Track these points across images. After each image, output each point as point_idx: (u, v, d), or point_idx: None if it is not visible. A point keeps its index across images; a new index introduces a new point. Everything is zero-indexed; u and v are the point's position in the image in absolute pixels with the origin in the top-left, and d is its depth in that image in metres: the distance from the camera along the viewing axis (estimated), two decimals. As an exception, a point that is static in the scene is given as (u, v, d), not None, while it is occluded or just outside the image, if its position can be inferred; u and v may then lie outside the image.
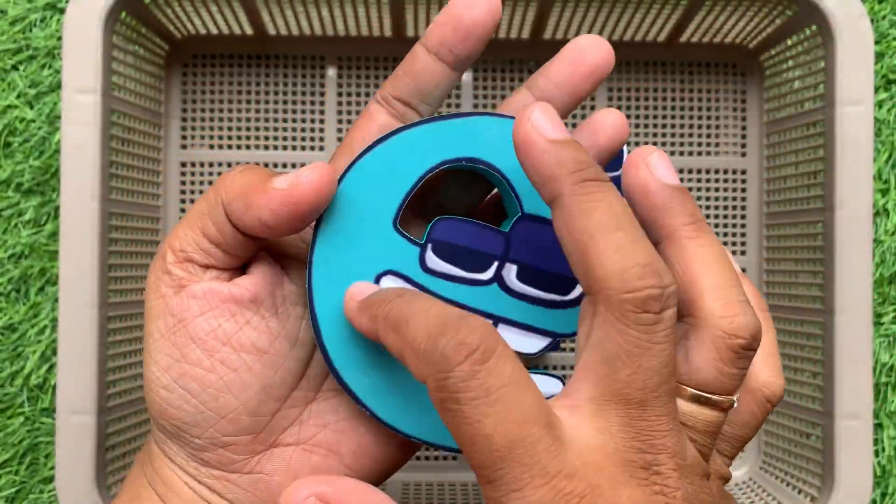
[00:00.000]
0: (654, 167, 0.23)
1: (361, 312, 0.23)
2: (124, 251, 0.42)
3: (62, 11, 0.48)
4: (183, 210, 0.47)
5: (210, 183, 0.47)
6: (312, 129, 0.47)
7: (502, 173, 0.26)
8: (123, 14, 0.41)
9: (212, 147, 0.47)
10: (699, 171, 0.48)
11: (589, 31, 0.46)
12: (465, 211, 0.29)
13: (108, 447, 0.40)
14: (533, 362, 0.29)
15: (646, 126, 0.48)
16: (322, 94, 0.47)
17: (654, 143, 0.48)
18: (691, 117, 0.48)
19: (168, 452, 0.26)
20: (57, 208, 0.47)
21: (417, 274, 0.26)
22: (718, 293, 0.22)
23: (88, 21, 0.39)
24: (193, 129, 0.47)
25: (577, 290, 0.27)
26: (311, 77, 0.47)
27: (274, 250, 0.27)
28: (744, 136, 0.48)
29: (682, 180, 0.48)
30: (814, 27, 0.42)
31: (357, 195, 0.25)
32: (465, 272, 0.26)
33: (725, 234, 0.48)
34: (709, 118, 0.48)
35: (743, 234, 0.48)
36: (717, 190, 0.48)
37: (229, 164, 0.47)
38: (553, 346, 0.27)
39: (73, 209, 0.39)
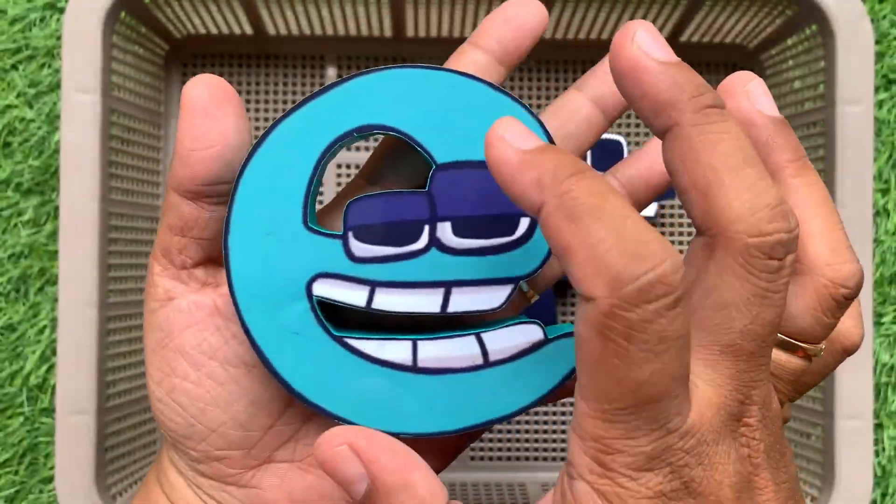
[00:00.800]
0: (755, 96, 0.21)
1: (525, 168, 0.19)
2: (124, 251, 0.42)
3: (62, 11, 0.48)
4: None
5: None
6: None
7: (402, 132, 0.24)
8: (123, 14, 0.40)
9: None
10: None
11: (589, 31, 0.46)
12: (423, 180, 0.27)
13: (108, 447, 0.40)
14: (503, 314, 0.27)
15: (646, 126, 0.48)
16: (322, 94, 0.47)
17: (655, 143, 0.48)
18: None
19: (172, 459, 0.26)
20: (56, 208, 0.47)
21: (348, 268, 0.24)
22: (826, 237, 0.21)
23: (88, 21, 0.39)
24: None
25: (524, 227, 0.24)
26: (310, 77, 0.47)
27: None
28: (744, 136, 0.48)
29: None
30: (814, 27, 0.42)
31: (259, 195, 0.23)
32: (396, 248, 0.24)
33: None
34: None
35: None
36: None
37: None
38: (515, 291, 0.24)
39: (73, 209, 0.39)
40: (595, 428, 0.19)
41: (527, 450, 0.47)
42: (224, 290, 0.25)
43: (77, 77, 0.39)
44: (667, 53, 0.20)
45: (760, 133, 0.21)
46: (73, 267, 0.39)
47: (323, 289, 0.24)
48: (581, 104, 0.26)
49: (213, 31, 0.46)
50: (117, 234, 0.41)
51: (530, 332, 0.24)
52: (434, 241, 0.24)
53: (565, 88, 0.47)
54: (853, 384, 0.40)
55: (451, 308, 0.24)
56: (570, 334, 0.24)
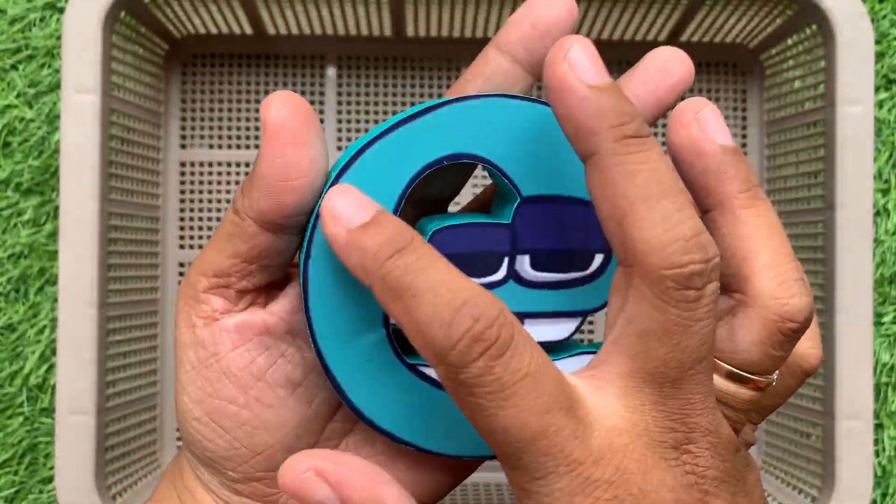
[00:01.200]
0: (706, 124, 0.21)
1: (351, 250, 0.20)
2: (124, 251, 0.42)
3: (61, 11, 0.48)
4: (182, 210, 0.47)
5: (209, 183, 0.47)
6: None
7: (491, 163, 0.24)
8: (123, 14, 0.40)
9: (211, 147, 0.47)
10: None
11: (590, 30, 0.46)
12: (448, 196, 0.27)
13: (108, 447, 0.40)
14: (565, 343, 0.27)
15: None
16: (322, 94, 0.47)
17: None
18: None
19: (201, 477, 0.25)
20: (56, 208, 0.47)
21: None
22: (774, 271, 0.21)
23: (88, 21, 0.39)
24: (193, 128, 0.47)
25: (597, 262, 0.24)
26: (310, 76, 0.47)
27: None
28: (744, 136, 0.48)
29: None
30: (814, 27, 0.42)
31: None
32: (476, 279, 0.24)
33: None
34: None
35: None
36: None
37: (229, 164, 0.47)
38: (582, 324, 0.25)
39: (73, 209, 0.39)
40: (510, 476, 0.19)
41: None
42: (274, 307, 0.24)
43: (77, 77, 0.39)
44: (598, 76, 0.19)
45: (710, 162, 0.21)
46: (74, 267, 0.39)
47: None
48: (500, 62, 0.24)
49: (213, 30, 0.46)
50: (117, 234, 0.41)
51: (585, 362, 0.25)
52: (512, 273, 0.24)
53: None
54: (853, 384, 0.40)
55: None
56: None
